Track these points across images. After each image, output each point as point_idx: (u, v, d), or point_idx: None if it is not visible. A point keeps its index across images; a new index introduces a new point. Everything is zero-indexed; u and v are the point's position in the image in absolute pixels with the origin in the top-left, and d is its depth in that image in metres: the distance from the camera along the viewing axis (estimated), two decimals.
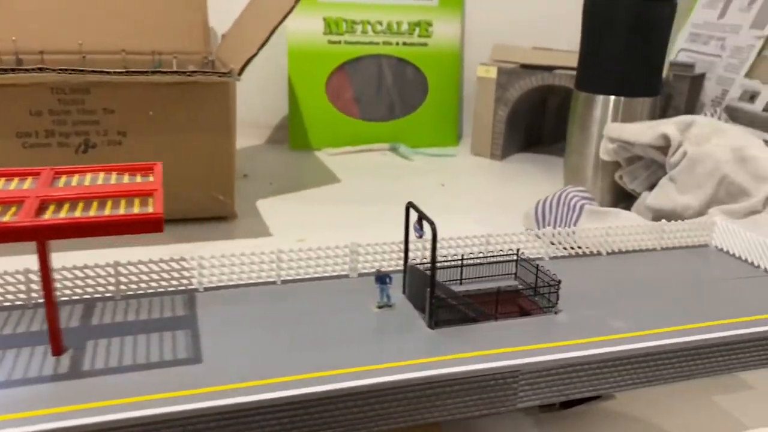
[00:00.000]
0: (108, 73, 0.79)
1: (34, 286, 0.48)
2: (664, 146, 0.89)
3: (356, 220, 0.98)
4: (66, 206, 0.39)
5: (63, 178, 0.43)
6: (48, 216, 0.37)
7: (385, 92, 1.39)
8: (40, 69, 0.76)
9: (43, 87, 0.82)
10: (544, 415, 0.52)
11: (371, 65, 1.37)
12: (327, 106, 1.35)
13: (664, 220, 0.64)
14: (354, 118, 1.38)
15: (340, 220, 0.98)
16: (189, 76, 0.82)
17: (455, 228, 0.81)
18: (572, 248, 0.61)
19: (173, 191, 0.94)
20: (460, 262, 0.54)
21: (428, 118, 1.42)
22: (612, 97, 1.01)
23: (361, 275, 0.55)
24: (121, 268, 0.49)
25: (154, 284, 0.50)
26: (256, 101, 1.39)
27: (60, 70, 0.77)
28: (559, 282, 0.50)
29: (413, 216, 0.50)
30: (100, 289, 0.49)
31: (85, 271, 0.49)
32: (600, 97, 1.02)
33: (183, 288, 0.51)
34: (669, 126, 0.88)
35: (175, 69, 1.09)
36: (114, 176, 0.43)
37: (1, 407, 0.37)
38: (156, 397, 0.38)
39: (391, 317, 0.49)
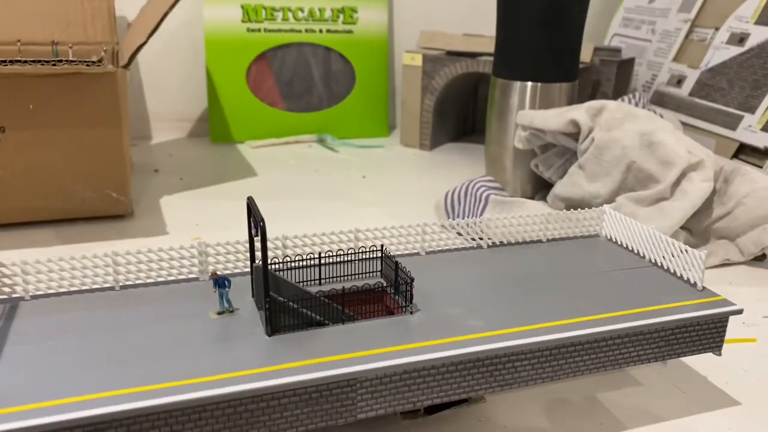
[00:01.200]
0: None
1: None
2: (575, 133, 0.86)
3: (264, 215, 0.94)
4: None
5: None
6: None
7: (311, 82, 1.35)
8: None
9: None
10: (408, 422, 0.48)
11: (294, 54, 1.32)
12: (249, 97, 1.30)
13: (549, 211, 0.61)
14: (278, 108, 1.33)
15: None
16: (53, 65, 0.76)
17: (366, 222, 0.77)
18: (450, 243, 0.57)
19: (61, 189, 0.89)
20: (318, 261, 0.50)
21: (356, 108, 1.37)
22: (528, 84, 0.98)
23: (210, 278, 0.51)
24: None
25: None
26: (175, 93, 1.33)
27: None
28: (412, 280, 0.46)
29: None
30: None
31: None
32: (516, 84, 0.99)
33: (5, 297, 0.47)
34: (579, 112, 0.85)
35: (70, 59, 1.04)
36: None
37: None
38: None
39: (232, 324, 0.45)
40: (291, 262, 0.49)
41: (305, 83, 1.35)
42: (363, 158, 1.26)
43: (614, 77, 1.23)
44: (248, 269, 0.51)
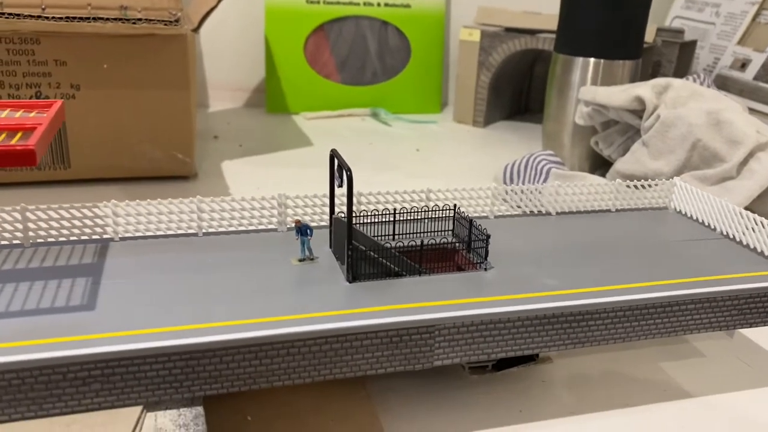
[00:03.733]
0: (47, 18, 0.76)
1: None
2: (639, 110, 0.85)
3: (320, 184, 0.95)
4: None
5: None
6: None
7: (367, 55, 1.36)
8: None
9: None
10: (476, 377, 0.49)
11: (352, 27, 1.33)
12: (305, 69, 1.32)
13: (618, 180, 0.61)
14: (333, 81, 1.34)
15: (304, 183, 0.95)
16: (133, 24, 0.78)
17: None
18: (520, 207, 0.58)
19: (130, 148, 0.91)
20: (392, 217, 0.51)
21: (410, 83, 1.38)
22: (591, 60, 0.97)
23: (290, 229, 0.53)
24: (29, 214, 0.47)
25: (65, 232, 0.48)
26: (233, 63, 1.35)
27: (8, 14, 0.74)
28: (488, 237, 0.47)
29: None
30: (7, 235, 0.47)
31: None
32: (579, 60, 0.98)
33: (97, 237, 0.49)
34: (644, 88, 0.84)
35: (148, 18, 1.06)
36: (7, 111, 0.41)
37: None
38: (34, 342, 0.36)
39: (312, 271, 0.46)
40: (367, 216, 0.50)
41: (361, 57, 1.35)
42: (416, 133, 1.26)
43: (675, 59, 1.21)
44: (324, 223, 0.53)
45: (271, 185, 0.93)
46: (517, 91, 1.41)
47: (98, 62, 0.83)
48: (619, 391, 0.50)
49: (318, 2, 1.29)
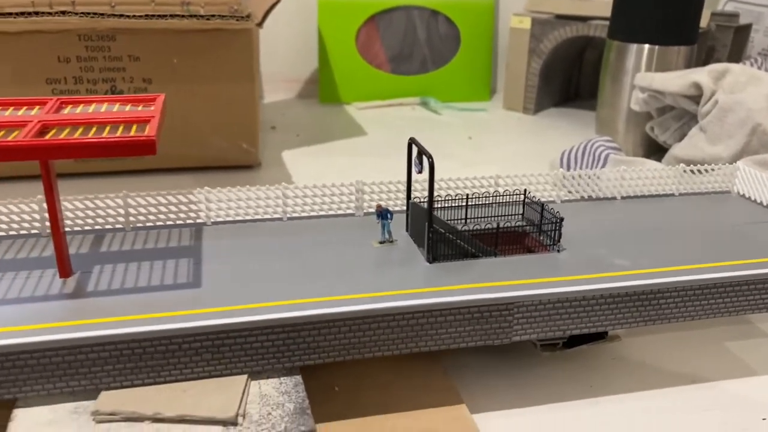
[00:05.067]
0: (128, 17, 0.80)
1: (46, 215, 0.49)
2: (696, 95, 0.86)
3: (378, 172, 0.98)
4: (67, 130, 0.40)
5: (68, 107, 0.44)
6: (49, 137, 0.38)
7: (417, 45, 1.38)
8: (63, 13, 0.77)
9: (70, 34, 0.83)
10: (547, 354, 0.51)
11: (402, 17, 1.35)
12: (357, 60, 1.34)
13: (682, 165, 0.62)
14: (384, 71, 1.37)
15: (362, 171, 0.98)
16: (207, 20, 0.82)
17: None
18: (586, 192, 0.60)
19: (198, 139, 0.96)
20: (465, 202, 0.53)
21: (460, 71, 1.39)
22: (646, 46, 0.97)
23: (367, 214, 0.56)
24: (130, 200, 0.51)
25: (162, 217, 0.52)
26: (287, 55, 1.39)
27: (83, 14, 0.78)
28: (561, 219, 0.49)
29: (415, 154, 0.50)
30: (111, 220, 0.51)
31: (96, 202, 0.50)
32: (633, 46, 0.98)
33: (191, 222, 0.53)
34: (701, 74, 0.85)
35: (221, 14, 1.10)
36: (117, 106, 0.44)
37: (13, 320, 0.39)
38: (153, 315, 0.40)
39: (392, 252, 0.49)
40: (442, 201, 0.53)
41: (411, 46, 1.37)
42: (466, 121, 1.28)
43: (730, 43, 1.20)
44: (398, 208, 0.55)
45: (331, 173, 0.96)
46: (567, 77, 1.41)
47: (168, 57, 0.87)
48: (685, 369, 0.52)
49: None
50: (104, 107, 0.44)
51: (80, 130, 0.40)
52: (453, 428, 0.44)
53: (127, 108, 0.44)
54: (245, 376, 0.41)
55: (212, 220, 0.53)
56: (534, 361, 0.52)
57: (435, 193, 0.55)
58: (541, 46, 1.27)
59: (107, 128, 0.40)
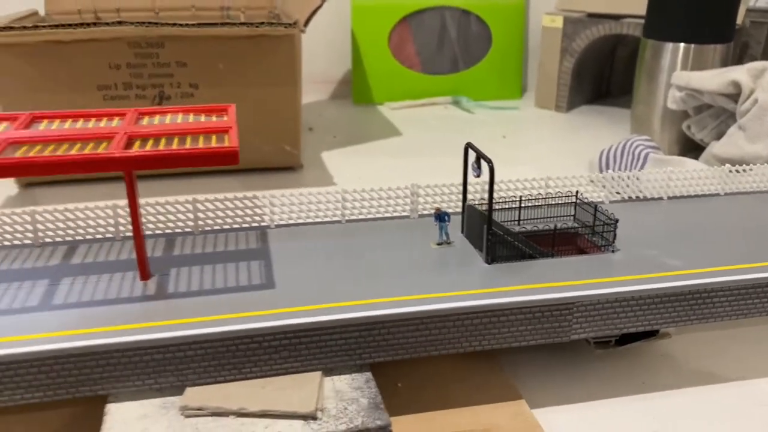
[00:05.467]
0: (181, 25, 0.83)
1: (121, 221, 0.52)
2: (735, 94, 0.86)
3: (417, 171, 1.00)
4: (150, 141, 0.42)
5: (146, 118, 0.47)
6: (135, 149, 0.41)
7: (448, 45, 1.39)
8: (119, 23, 0.80)
9: (121, 42, 0.86)
10: (600, 351, 0.53)
11: (434, 17, 1.37)
12: (389, 60, 1.36)
13: (728, 166, 0.63)
14: (416, 71, 1.39)
15: (401, 171, 1.00)
16: (257, 27, 0.84)
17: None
18: (633, 193, 0.61)
19: (243, 142, 0.98)
20: (518, 204, 0.55)
21: (492, 70, 1.41)
22: (681, 45, 0.98)
23: (421, 216, 0.57)
24: (199, 205, 0.53)
25: (229, 220, 0.54)
26: (321, 57, 1.41)
27: (137, 23, 0.81)
28: (617, 221, 0.50)
29: (471, 159, 0.51)
30: (180, 224, 0.53)
31: (167, 207, 0.53)
32: (669, 45, 0.99)
33: (256, 225, 0.55)
34: (740, 72, 0.85)
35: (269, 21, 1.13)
36: (191, 116, 0.47)
37: (97, 322, 0.41)
38: (235, 315, 0.42)
39: (450, 254, 0.51)
40: (497, 203, 0.55)
41: (443, 46, 1.39)
42: (499, 119, 1.30)
43: (764, 40, 1.20)
44: (450, 209, 0.57)
45: (370, 174, 0.98)
46: (598, 74, 1.42)
47: (214, 63, 0.90)
48: (734, 366, 0.53)
49: None
50: (180, 118, 0.46)
51: (163, 141, 0.42)
52: (515, 423, 0.46)
53: (202, 119, 0.47)
54: (319, 373, 0.43)
55: (275, 223, 0.55)
56: (586, 358, 0.53)
57: (481, 195, 0.57)
58: (573, 44, 1.28)
59: (188, 139, 0.42)
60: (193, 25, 0.83)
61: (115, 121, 0.46)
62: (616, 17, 1.23)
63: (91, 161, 0.38)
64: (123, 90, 0.89)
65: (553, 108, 1.34)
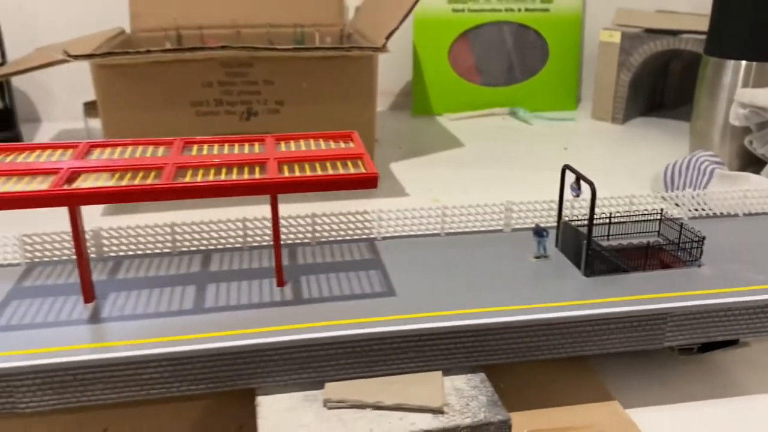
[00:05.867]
0: (277, 49, 0.89)
1: (249, 233, 0.58)
2: None
3: (484, 181, 1.05)
4: (296, 166, 0.48)
5: (282, 144, 0.52)
6: (286, 174, 0.46)
7: (506, 58, 1.44)
8: (223, 47, 0.87)
9: (213, 61, 0.93)
10: (684, 357, 0.57)
11: (492, 32, 1.41)
12: (449, 73, 1.41)
13: None
14: (474, 83, 1.43)
15: (468, 182, 1.05)
16: (347, 51, 0.90)
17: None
18: (705, 210, 0.65)
19: None
20: (608, 220, 0.60)
21: (548, 82, 1.45)
22: (743, 62, 1.01)
23: (513, 230, 0.62)
24: (317, 219, 0.59)
25: (342, 233, 0.60)
26: (383, 69, 1.46)
27: (240, 47, 0.88)
28: (703, 238, 0.55)
29: (566, 177, 0.56)
30: (300, 236, 0.59)
31: (289, 220, 0.58)
32: (730, 62, 1.02)
33: (365, 237, 0.60)
34: None
35: (317, 41, 1.19)
36: (322, 142, 0.52)
37: (245, 323, 0.47)
38: (366, 320, 0.48)
39: (548, 267, 0.56)
40: (582, 219, 0.59)
41: (501, 59, 1.44)
42: (557, 131, 1.34)
43: None
44: (543, 225, 0.62)
45: (440, 185, 1.03)
46: (653, 87, 1.45)
47: (299, 81, 0.96)
48: None
49: (463, 11, 1.38)
50: (312, 144, 0.52)
51: (307, 167, 0.48)
52: (612, 421, 0.51)
53: (332, 145, 0.52)
54: (440, 372, 0.48)
55: (382, 236, 0.61)
56: (672, 363, 0.58)
57: (575, 213, 0.62)
58: (630, 59, 1.31)
59: (327, 164, 0.48)
60: (289, 49, 0.89)
61: (257, 147, 0.52)
62: (674, 33, 1.26)
63: (252, 186, 0.44)
64: (214, 106, 0.95)
65: (610, 120, 1.37)
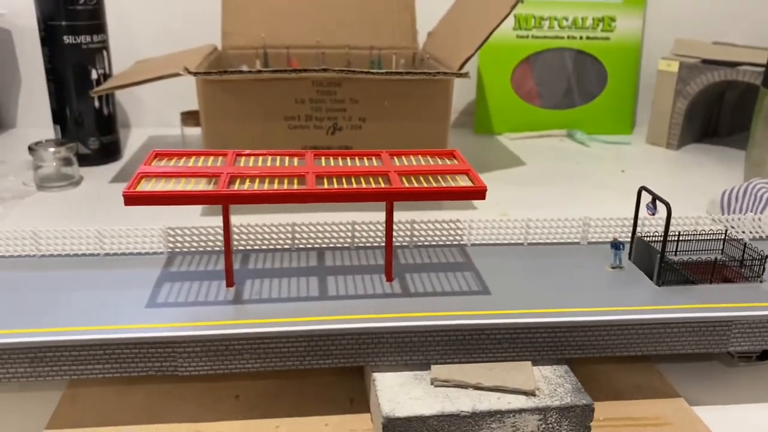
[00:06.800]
0: (372, 73, 0.98)
1: (357, 234, 0.66)
2: None
3: (548, 198, 1.12)
4: (413, 178, 0.56)
5: (395, 158, 0.61)
6: (406, 184, 0.55)
7: (566, 82, 1.51)
8: (324, 69, 0.96)
9: (306, 81, 1.02)
10: (743, 363, 0.64)
11: (554, 57, 1.49)
12: (510, 95, 1.49)
13: None
14: (534, 105, 1.51)
15: (533, 198, 1.12)
16: (434, 76, 0.99)
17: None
18: (764, 232, 0.71)
19: None
20: (676, 237, 0.66)
21: (605, 107, 1.51)
22: None
23: (589, 243, 0.70)
24: (416, 225, 0.67)
25: (437, 238, 0.68)
26: None
27: (339, 70, 0.97)
28: (767, 256, 0.61)
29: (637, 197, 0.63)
30: (399, 240, 0.67)
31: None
32: None
33: (456, 243, 0.68)
34: None
35: (393, 63, 1.28)
36: (429, 158, 0.61)
37: (362, 310, 0.55)
38: (467, 313, 0.55)
39: (623, 276, 0.63)
40: (652, 236, 0.66)
41: (561, 83, 1.51)
42: (613, 153, 1.40)
43: None
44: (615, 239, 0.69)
45: (506, 200, 1.10)
46: (707, 115, 1.50)
47: (381, 100, 1.04)
48: None
49: (527, 37, 1.46)
50: (422, 159, 0.60)
51: (422, 179, 0.56)
52: (678, 416, 0.57)
53: (438, 161, 0.60)
54: (530, 362, 0.56)
55: (471, 242, 0.69)
56: (731, 369, 0.64)
57: (647, 230, 0.69)
58: (687, 88, 1.37)
59: (438, 177, 0.56)
60: (383, 73, 0.98)
61: (374, 160, 0.60)
62: (731, 64, 1.32)
63: (382, 193, 0.53)
64: (304, 121, 1.05)
65: (665, 145, 1.43)
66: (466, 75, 1.00)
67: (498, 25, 1.04)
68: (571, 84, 1.51)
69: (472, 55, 1.06)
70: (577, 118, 1.51)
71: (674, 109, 1.40)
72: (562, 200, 1.10)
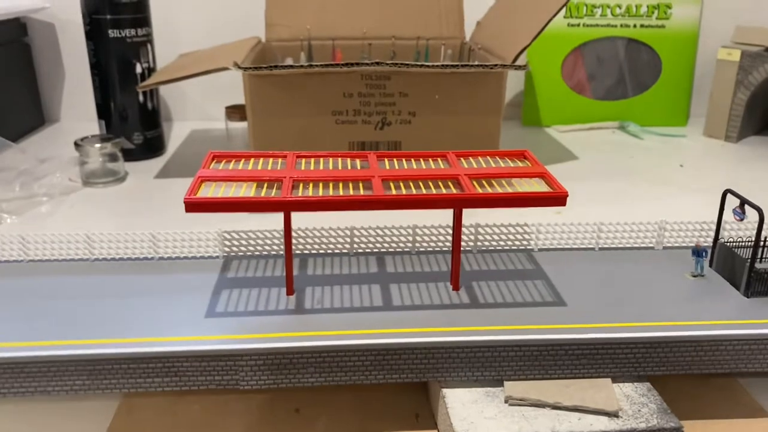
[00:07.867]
0: (428, 65, 0.94)
1: (418, 238, 0.63)
2: None
3: (604, 194, 1.07)
4: (484, 182, 0.53)
5: (462, 160, 0.58)
6: (480, 190, 0.51)
7: (618, 72, 1.45)
8: (377, 63, 0.93)
9: (355, 74, 0.99)
10: None
11: (606, 46, 1.43)
12: (560, 85, 1.44)
13: None
14: (585, 96, 1.45)
15: (589, 195, 1.07)
16: (491, 69, 0.95)
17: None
18: None
19: None
20: (763, 243, 0.62)
21: (659, 98, 1.45)
22: None
23: (665, 248, 0.65)
24: (480, 229, 0.64)
25: (501, 243, 0.64)
26: None
27: (392, 63, 0.94)
28: None
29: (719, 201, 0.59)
30: (463, 244, 0.64)
31: (447, 230, 0.63)
32: None
33: (522, 247, 0.65)
34: None
35: (442, 54, 1.24)
36: (498, 160, 0.57)
37: (426, 323, 0.52)
38: (542, 327, 0.52)
39: (706, 285, 0.59)
40: (737, 242, 0.62)
41: (613, 73, 1.45)
42: (669, 147, 1.34)
43: None
44: (691, 244, 0.65)
45: None
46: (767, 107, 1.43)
47: (432, 93, 1.01)
48: None
49: (578, 25, 1.40)
50: (491, 161, 0.57)
51: (494, 182, 0.53)
52: None
53: (510, 163, 0.57)
54: (609, 379, 0.52)
55: (538, 247, 0.65)
56: None
57: (725, 233, 0.64)
58: (749, 77, 1.30)
59: (513, 181, 0.53)
60: (438, 65, 0.94)
61: (440, 162, 0.57)
62: None
63: (457, 200, 0.50)
64: (353, 116, 1.02)
65: (723, 138, 1.37)
66: (525, 67, 0.96)
67: (555, 14, 0.99)
68: (624, 74, 1.45)
69: (528, 46, 1.01)
70: (630, 109, 1.45)
71: (734, 100, 1.33)
72: (619, 197, 1.05)
